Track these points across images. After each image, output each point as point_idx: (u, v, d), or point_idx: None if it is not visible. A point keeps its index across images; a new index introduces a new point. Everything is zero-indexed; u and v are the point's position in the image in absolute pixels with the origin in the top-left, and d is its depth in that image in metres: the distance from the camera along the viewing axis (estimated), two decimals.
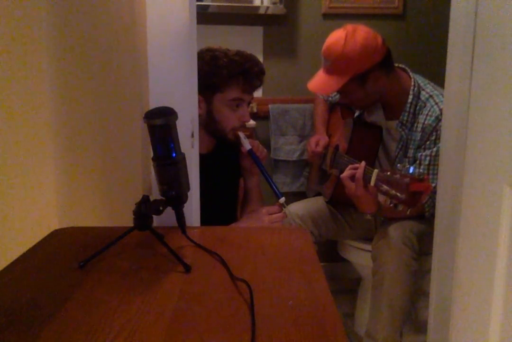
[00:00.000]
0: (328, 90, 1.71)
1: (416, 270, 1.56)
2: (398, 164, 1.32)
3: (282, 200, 1.38)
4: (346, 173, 1.50)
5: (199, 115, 1.38)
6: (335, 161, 1.82)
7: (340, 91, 1.71)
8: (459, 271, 1.07)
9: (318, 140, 1.93)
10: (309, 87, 1.72)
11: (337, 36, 1.60)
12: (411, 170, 1.24)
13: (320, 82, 1.68)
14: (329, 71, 1.65)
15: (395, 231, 1.58)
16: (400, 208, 1.26)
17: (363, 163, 1.46)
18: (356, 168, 1.48)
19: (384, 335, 1.56)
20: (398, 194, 1.25)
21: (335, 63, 1.61)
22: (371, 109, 1.83)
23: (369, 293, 1.69)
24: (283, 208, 1.40)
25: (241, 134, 1.45)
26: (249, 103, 1.45)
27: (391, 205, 1.28)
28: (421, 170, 1.61)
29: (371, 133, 1.78)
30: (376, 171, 1.38)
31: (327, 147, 1.92)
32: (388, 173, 1.32)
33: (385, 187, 1.31)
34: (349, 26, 1.61)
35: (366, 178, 1.43)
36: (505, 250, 0.88)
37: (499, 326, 0.90)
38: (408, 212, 1.30)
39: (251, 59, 1.40)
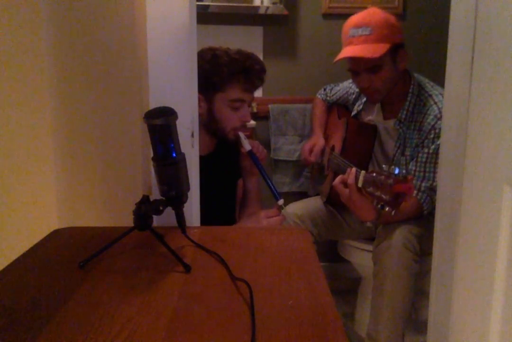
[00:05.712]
0: (376, 53, 1.58)
1: (417, 272, 1.56)
2: (384, 165, 1.29)
3: (281, 201, 1.38)
4: (337, 179, 1.47)
5: (199, 115, 1.38)
6: (330, 162, 1.81)
7: (372, 65, 1.62)
8: (459, 271, 1.07)
9: (313, 147, 1.92)
10: (349, 55, 1.61)
11: (368, 10, 1.63)
12: (396, 171, 1.23)
13: (362, 48, 1.59)
14: (368, 39, 1.59)
15: (396, 234, 1.57)
16: (386, 208, 1.25)
17: (353, 170, 1.42)
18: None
19: (386, 337, 1.56)
20: (383, 195, 1.24)
21: (378, 29, 1.59)
22: (369, 108, 1.83)
23: (369, 293, 1.68)
24: (282, 209, 1.39)
25: (241, 135, 1.44)
26: (250, 103, 1.45)
27: (379, 206, 1.27)
28: (417, 167, 1.60)
29: (364, 133, 1.76)
30: (363, 172, 1.36)
31: (323, 151, 1.91)
32: (374, 174, 1.30)
33: (371, 188, 1.30)
34: None
35: (356, 179, 1.41)
36: (505, 250, 0.88)
37: (499, 326, 0.90)
38: (393, 213, 1.28)
39: (252, 57, 1.40)
